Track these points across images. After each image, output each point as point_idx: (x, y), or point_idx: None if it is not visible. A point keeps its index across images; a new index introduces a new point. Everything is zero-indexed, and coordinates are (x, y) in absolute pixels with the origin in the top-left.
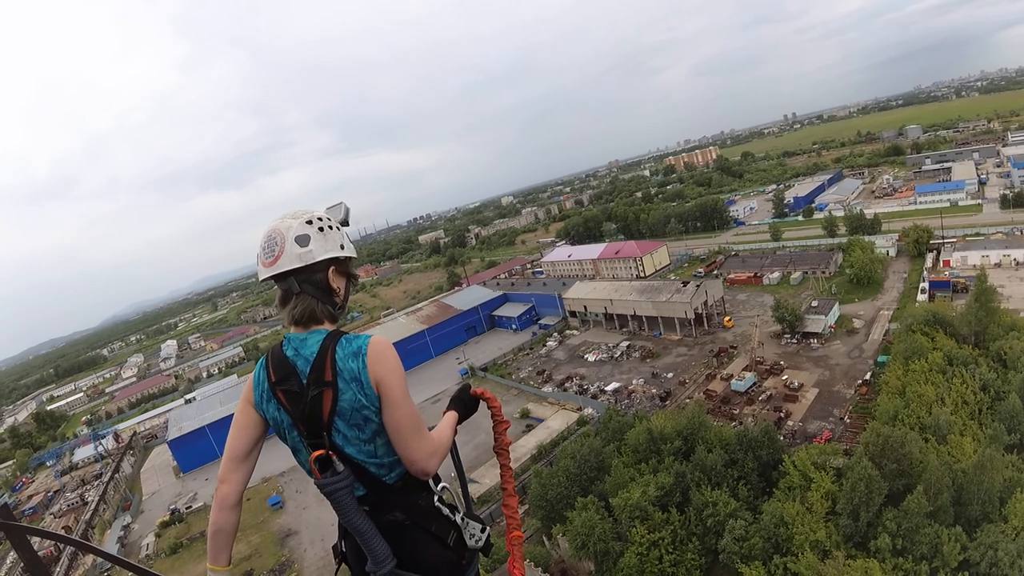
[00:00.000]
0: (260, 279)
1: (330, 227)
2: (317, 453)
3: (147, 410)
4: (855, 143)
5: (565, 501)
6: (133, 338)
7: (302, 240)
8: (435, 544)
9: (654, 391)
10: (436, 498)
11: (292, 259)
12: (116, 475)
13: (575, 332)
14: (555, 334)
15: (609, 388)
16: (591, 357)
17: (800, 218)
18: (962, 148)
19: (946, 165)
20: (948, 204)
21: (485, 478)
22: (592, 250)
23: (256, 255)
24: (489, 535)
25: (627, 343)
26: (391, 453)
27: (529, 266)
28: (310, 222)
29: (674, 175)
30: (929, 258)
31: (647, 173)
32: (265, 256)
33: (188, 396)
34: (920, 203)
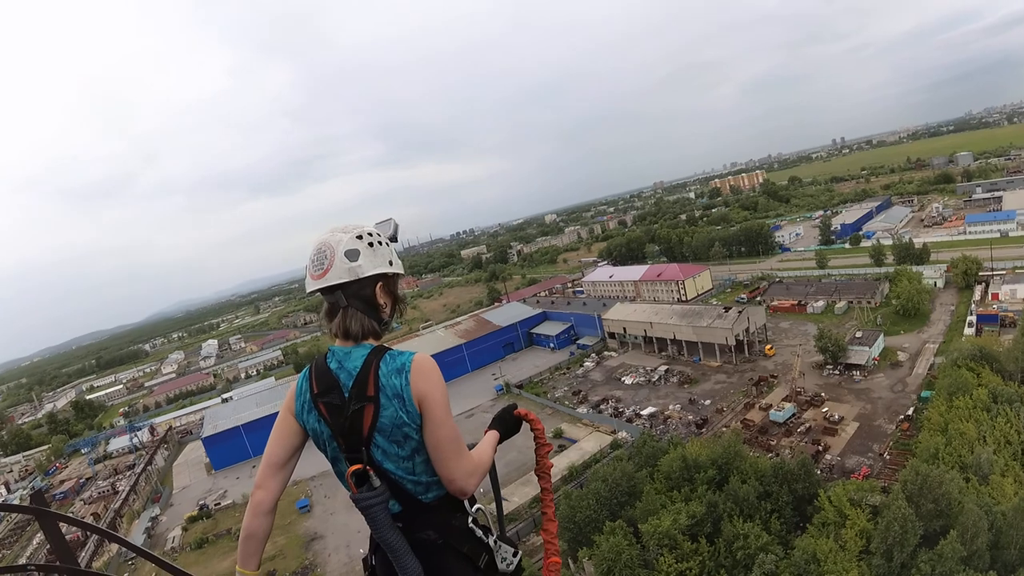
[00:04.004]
0: (308, 291)
1: (380, 243)
2: (354, 467)
3: (184, 406)
4: (904, 169)
5: (593, 524)
6: (175, 335)
7: (352, 255)
8: (466, 566)
9: (690, 417)
10: (470, 519)
11: (341, 273)
12: (149, 467)
13: (613, 354)
14: (593, 355)
15: (645, 412)
16: (628, 380)
17: (847, 246)
18: (1014, 176)
19: (997, 194)
20: (998, 235)
21: (514, 496)
22: (634, 272)
23: (305, 267)
24: (521, 559)
25: (665, 367)
26: (429, 472)
27: (570, 285)
28: (360, 237)
29: (719, 198)
30: (977, 290)
31: (692, 195)
32: (314, 269)
33: (225, 395)
34: (970, 233)
